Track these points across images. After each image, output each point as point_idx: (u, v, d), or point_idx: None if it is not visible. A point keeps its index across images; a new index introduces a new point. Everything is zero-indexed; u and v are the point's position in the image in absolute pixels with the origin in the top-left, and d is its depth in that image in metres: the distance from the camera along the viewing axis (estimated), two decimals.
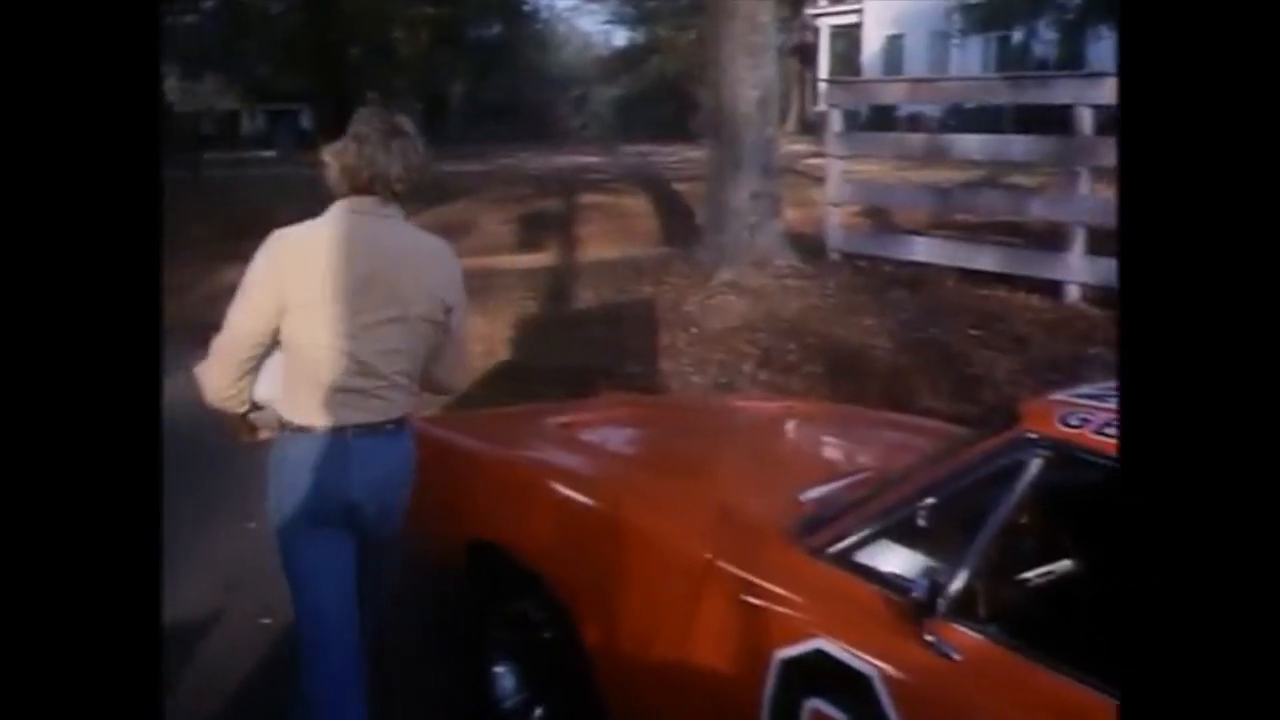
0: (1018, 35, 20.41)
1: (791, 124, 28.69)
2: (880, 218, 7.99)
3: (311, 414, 1.98)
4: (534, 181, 13.41)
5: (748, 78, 6.48)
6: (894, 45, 26.60)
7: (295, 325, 1.96)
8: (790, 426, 3.06)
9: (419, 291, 2.01)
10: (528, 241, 9.55)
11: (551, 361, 6.02)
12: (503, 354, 6.27)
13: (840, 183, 6.99)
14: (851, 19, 28.61)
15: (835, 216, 7.02)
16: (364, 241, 1.98)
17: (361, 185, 2.00)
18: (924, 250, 6.43)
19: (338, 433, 1.97)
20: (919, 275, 6.27)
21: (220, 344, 2.04)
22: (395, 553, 2.17)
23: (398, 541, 2.15)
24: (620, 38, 39.18)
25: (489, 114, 33.75)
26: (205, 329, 2.14)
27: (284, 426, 2.02)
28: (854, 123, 8.18)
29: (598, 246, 8.92)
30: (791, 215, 9.95)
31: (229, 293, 2.06)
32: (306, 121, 29.86)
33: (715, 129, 6.79)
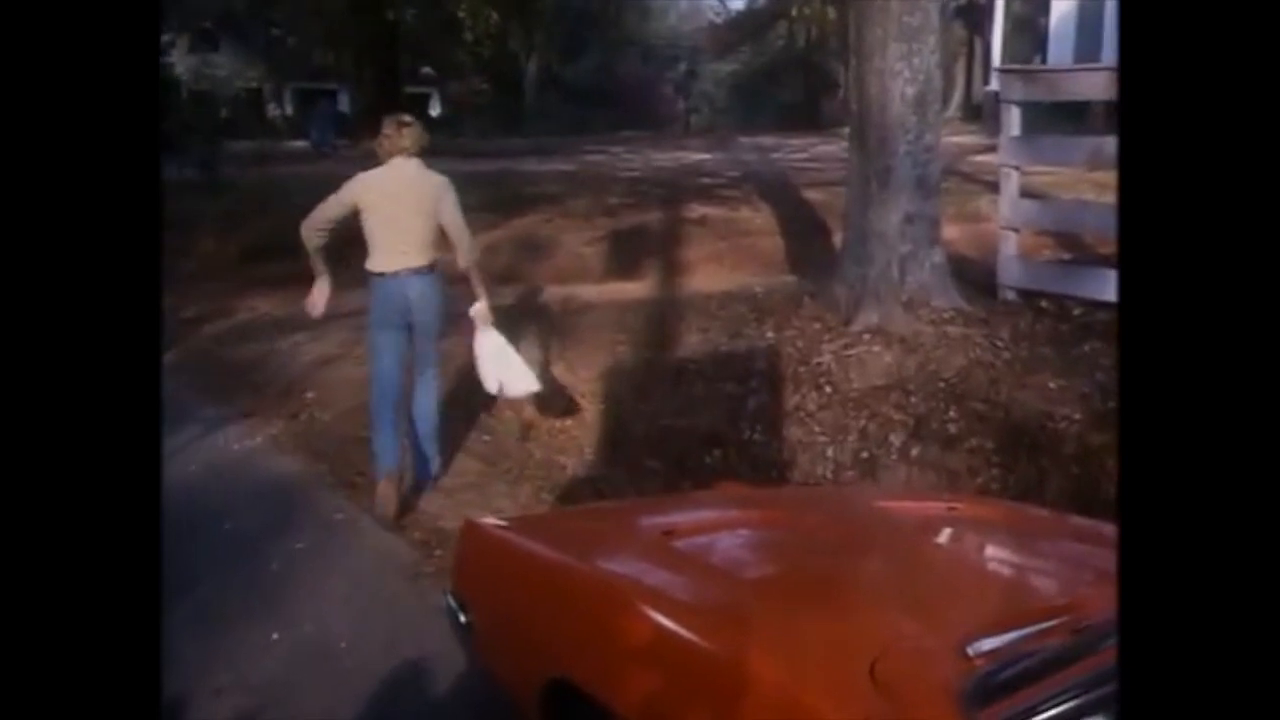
0: None
1: (954, 108, 28.45)
2: (1071, 245, 7.87)
3: (382, 265, 5.03)
4: (628, 186, 13.60)
5: (902, 69, 6.46)
6: (1092, 3, 26.09)
7: (369, 219, 5.01)
8: (953, 537, 3.02)
9: (427, 200, 5.03)
10: (620, 266, 9.69)
11: (649, 424, 6.11)
12: (589, 411, 6.39)
13: (1017, 200, 6.91)
14: None
15: (1011, 243, 6.93)
16: (401, 176, 5.02)
17: (395, 152, 5.04)
18: None
19: (394, 275, 5.03)
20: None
21: (315, 211, 4.99)
22: (431, 342, 5.27)
23: (433, 335, 5.25)
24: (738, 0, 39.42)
25: (574, 97, 34.38)
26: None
27: (370, 275, 5.06)
28: (1036, 121, 8.08)
29: (707, 274, 9.01)
30: (952, 235, 9.90)
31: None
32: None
33: (859, 134, 6.78)
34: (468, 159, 15.36)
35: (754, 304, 7.38)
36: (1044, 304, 6.61)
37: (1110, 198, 8.64)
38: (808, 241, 9.74)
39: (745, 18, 36.69)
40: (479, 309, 5.28)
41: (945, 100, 29.17)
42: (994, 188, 7.57)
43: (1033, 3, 28.36)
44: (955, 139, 20.31)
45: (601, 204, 12.27)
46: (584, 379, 6.74)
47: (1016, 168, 6.83)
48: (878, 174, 6.60)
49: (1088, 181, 9.22)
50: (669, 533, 2.89)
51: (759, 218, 10.92)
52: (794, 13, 30.32)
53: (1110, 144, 6.27)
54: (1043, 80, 7.13)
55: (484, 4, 22.86)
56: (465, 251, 5.12)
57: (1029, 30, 27.59)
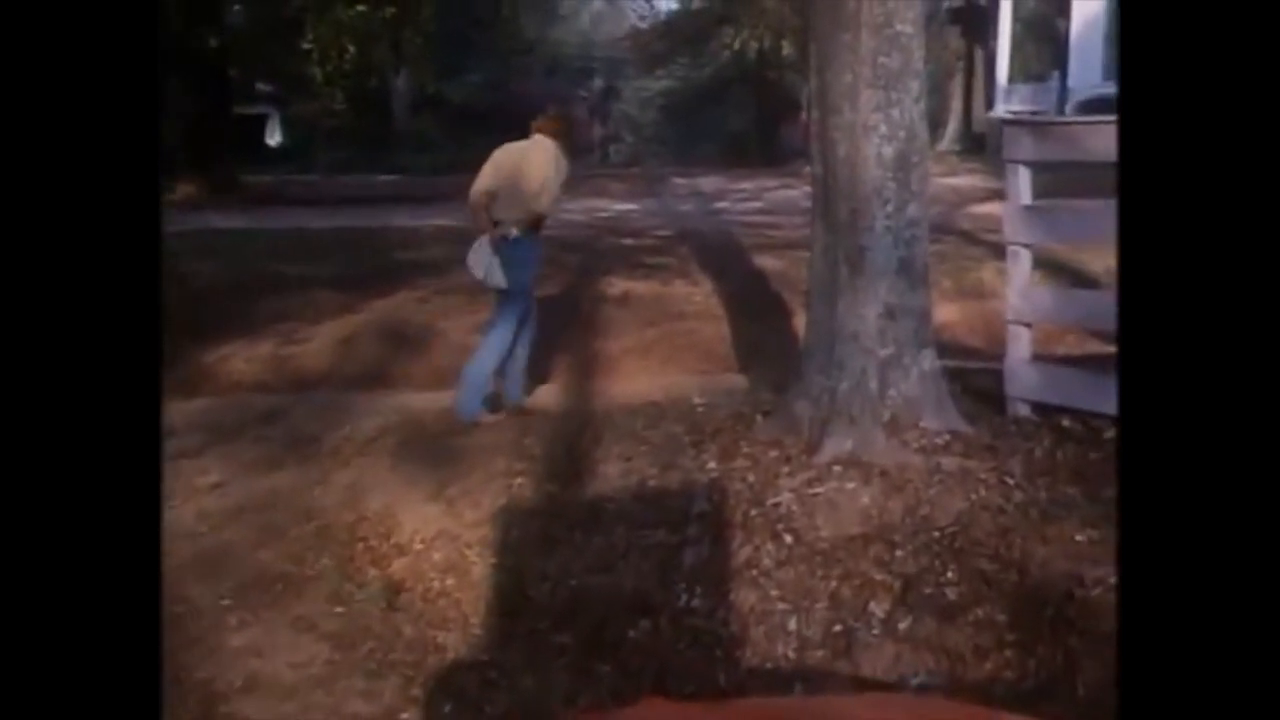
0: None
1: (950, 140, 29.01)
2: (1101, 342, 7.95)
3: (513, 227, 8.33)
4: None
5: (878, 124, 6.55)
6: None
7: (501, 192, 8.32)
8: None
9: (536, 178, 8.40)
10: None
11: (555, 585, 6.07)
12: (477, 567, 6.34)
13: (1029, 288, 7.01)
14: None
15: (1022, 343, 7.03)
16: (511, 156, 8.49)
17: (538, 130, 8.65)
18: None
19: (506, 233, 8.35)
20: None
21: (473, 190, 8.39)
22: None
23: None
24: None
25: (458, 122, 34.41)
26: None
27: (505, 238, 8.29)
28: (1049, 181, 8.24)
29: (631, 376, 9.01)
30: (950, 317, 10.00)
31: None
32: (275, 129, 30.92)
33: (824, 205, 6.84)
34: (315, 209, 15.31)
35: (692, 422, 7.38)
36: (1066, 423, 6.69)
37: None
38: (762, 327, 9.79)
39: (680, 21, 36.55)
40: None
41: (939, 131, 29.74)
42: (1002, 250, 7.67)
43: (1048, 1, 29.11)
44: (951, 181, 20.72)
45: None
46: (470, 524, 6.68)
47: (1028, 246, 6.94)
48: (849, 256, 6.65)
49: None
50: None
51: (698, 294, 11.00)
52: (740, 17, 30.61)
53: None
54: (1059, 135, 7.29)
55: (339, 32, 22.88)
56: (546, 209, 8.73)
57: (1044, 37, 28.32)
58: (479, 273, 8.42)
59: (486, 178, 8.32)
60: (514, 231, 8.25)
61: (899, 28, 6.63)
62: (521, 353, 8.56)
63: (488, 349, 8.44)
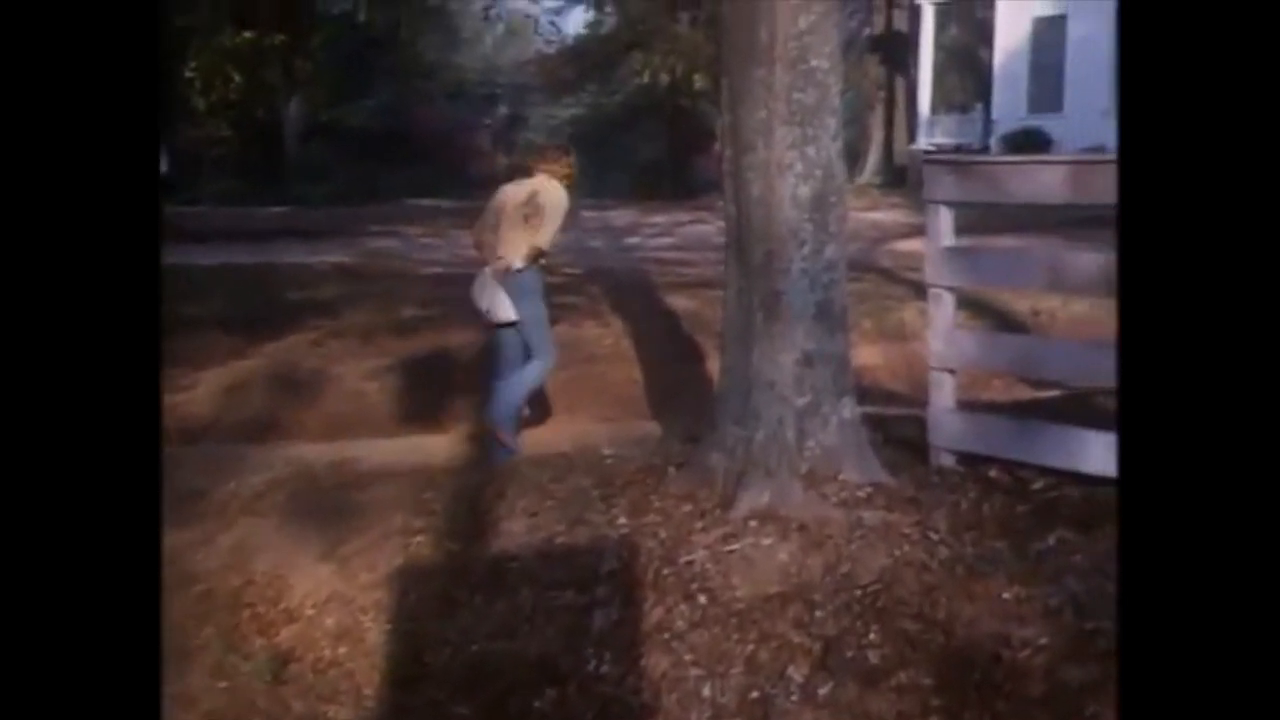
0: None
1: (870, 172, 29.34)
2: (1029, 388, 8.02)
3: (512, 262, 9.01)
4: (429, 290, 13.64)
5: (793, 162, 6.58)
6: (1050, 34, 27.28)
7: (504, 230, 9.10)
8: None
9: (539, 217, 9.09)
10: (416, 412, 9.64)
11: (456, 651, 6.02)
12: (371, 633, 6.29)
13: (952, 331, 7.06)
14: None
15: (946, 391, 7.07)
16: (514, 196, 9.25)
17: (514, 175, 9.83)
18: (1108, 454, 6.44)
19: (510, 264, 9.00)
20: (1099, 502, 6.27)
21: (476, 228, 9.49)
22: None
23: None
24: (576, 21, 40.11)
25: (354, 150, 34.35)
26: None
27: (508, 270, 8.98)
28: (974, 222, 8.33)
29: (536, 426, 8.90)
30: (871, 360, 10.08)
31: None
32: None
33: (738, 247, 6.87)
34: (201, 243, 15.18)
35: (601, 474, 7.35)
36: (993, 473, 6.74)
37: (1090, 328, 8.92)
38: (675, 372, 9.81)
39: (588, 46, 36.92)
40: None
41: (859, 162, 30.02)
42: (923, 287, 7.69)
43: (971, 29, 29.56)
44: (872, 215, 20.96)
45: (391, 316, 12.24)
46: (364, 586, 6.62)
47: (950, 289, 6.99)
48: (764, 301, 6.67)
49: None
50: None
51: (609, 336, 11.03)
52: (650, 41, 30.71)
53: (1082, 257, 6.47)
54: (982, 174, 7.36)
55: (223, 60, 22.70)
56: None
57: (967, 67, 28.77)
58: (482, 304, 9.04)
59: (491, 216, 9.18)
60: (518, 263, 8.86)
61: (814, 62, 6.66)
62: (520, 387, 9.11)
63: (520, 382, 9.05)
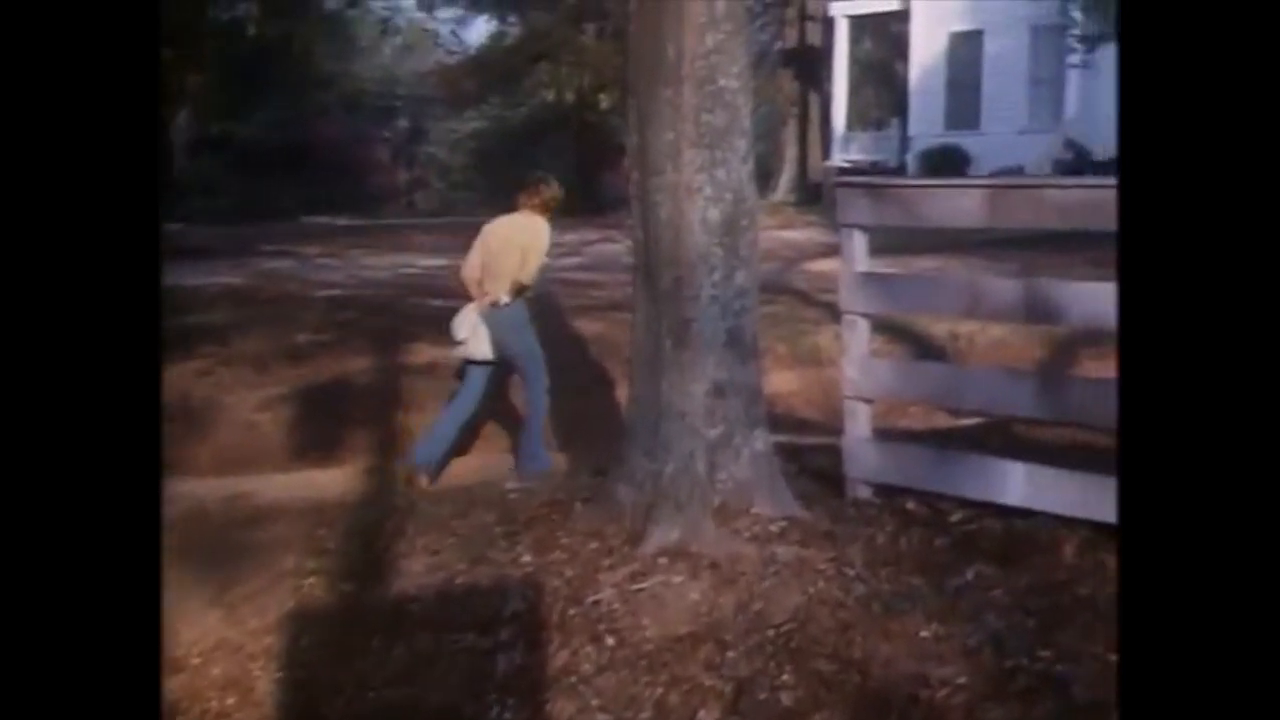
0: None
1: (784, 190, 29.50)
2: (948, 416, 8.08)
3: (499, 298, 9.66)
4: (325, 314, 13.57)
5: (702, 185, 6.59)
6: (966, 50, 27.59)
7: (490, 266, 9.74)
8: None
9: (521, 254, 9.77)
10: (310, 444, 9.58)
11: (351, 699, 5.95)
12: (261, 681, 6.20)
13: (867, 359, 7.09)
14: (888, 3, 29.41)
15: (861, 420, 7.11)
16: (499, 233, 9.89)
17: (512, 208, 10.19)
18: (1028, 484, 6.51)
19: (496, 300, 9.63)
20: (1020, 534, 6.32)
21: (465, 266, 9.91)
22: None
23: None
24: (479, 32, 40.07)
25: (245, 165, 34.09)
26: None
27: (494, 304, 9.56)
28: (892, 242, 8.37)
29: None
30: (786, 385, 10.10)
31: None
32: None
33: (646, 273, 6.87)
34: None
35: (504, 510, 7.34)
36: (910, 505, 6.79)
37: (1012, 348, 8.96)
38: (582, 401, 9.79)
39: (491, 57, 36.71)
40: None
41: (772, 180, 30.19)
42: (838, 312, 7.72)
43: (886, 44, 29.88)
44: (786, 234, 21.05)
45: (285, 342, 12.15)
46: (254, 632, 6.53)
47: (865, 315, 7.02)
48: (673, 328, 6.67)
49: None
50: None
51: None
52: (556, 52, 30.75)
53: (1000, 283, 6.50)
54: (896, 197, 7.39)
55: None
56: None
57: (882, 83, 29.09)
58: (461, 334, 9.41)
59: (476, 254, 9.68)
60: (504, 299, 9.38)
61: (723, 82, 6.69)
62: (535, 421, 9.46)
63: (534, 414, 9.46)
